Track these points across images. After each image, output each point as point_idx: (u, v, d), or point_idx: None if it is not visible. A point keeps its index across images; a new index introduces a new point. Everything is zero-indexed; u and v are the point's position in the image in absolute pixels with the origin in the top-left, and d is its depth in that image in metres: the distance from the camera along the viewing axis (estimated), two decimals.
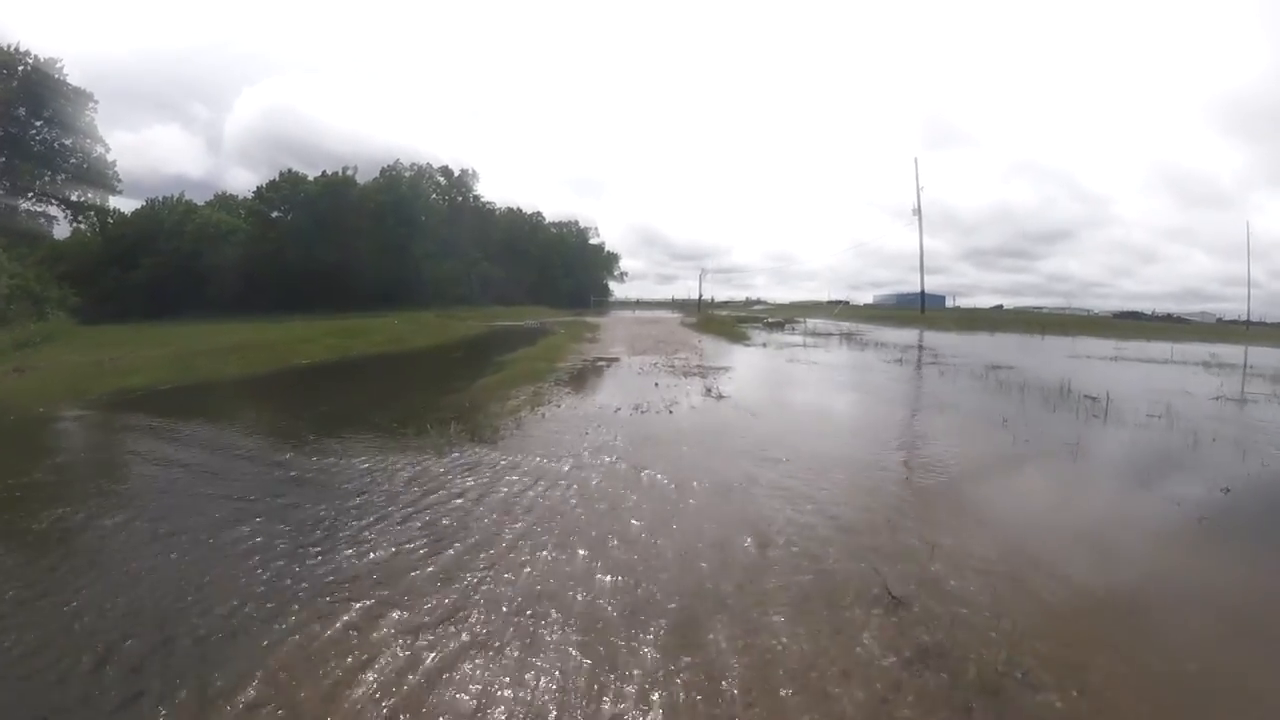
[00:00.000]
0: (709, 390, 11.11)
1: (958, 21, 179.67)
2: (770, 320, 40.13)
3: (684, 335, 26.73)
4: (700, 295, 67.31)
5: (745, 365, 15.75)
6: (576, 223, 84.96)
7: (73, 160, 45.66)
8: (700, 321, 36.61)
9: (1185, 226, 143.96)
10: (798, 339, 27.52)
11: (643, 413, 9.22)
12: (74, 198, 46.62)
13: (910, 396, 11.36)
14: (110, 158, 46.66)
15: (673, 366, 14.86)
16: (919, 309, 75.44)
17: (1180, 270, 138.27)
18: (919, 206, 57.01)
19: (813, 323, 40.20)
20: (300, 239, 55.65)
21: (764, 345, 22.02)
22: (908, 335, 31.53)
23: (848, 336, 27.40)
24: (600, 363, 15.90)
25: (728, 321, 37.34)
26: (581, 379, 12.94)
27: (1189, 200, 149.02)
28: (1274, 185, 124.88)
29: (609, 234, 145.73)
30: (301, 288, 55.72)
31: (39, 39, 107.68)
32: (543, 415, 9.10)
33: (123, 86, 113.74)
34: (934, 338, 30.51)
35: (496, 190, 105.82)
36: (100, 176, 46.22)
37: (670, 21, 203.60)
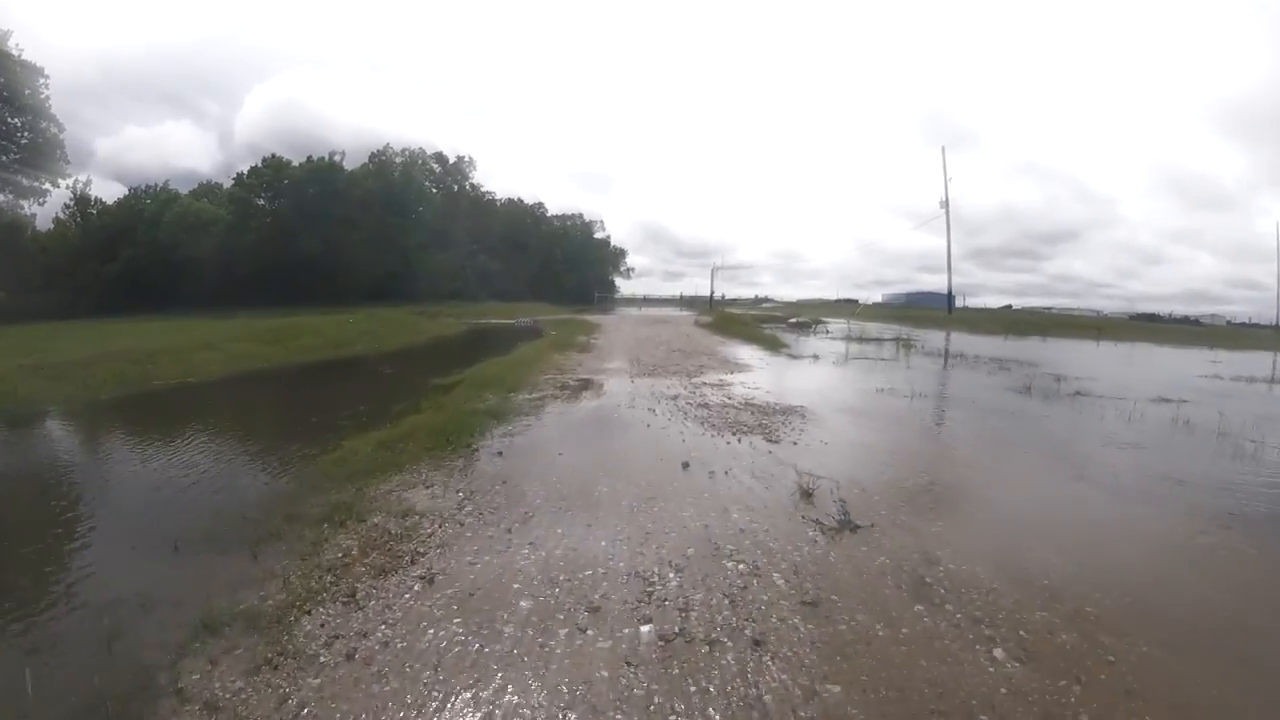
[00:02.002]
0: (807, 494, 4.72)
1: (962, 23, 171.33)
2: (794, 320, 33.60)
3: (702, 339, 20.34)
4: (712, 293, 60.50)
5: (819, 400, 9.30)
6: (581, 216, 78.25)
7: (23, 140, 39.39)
8: (717, 322, 30.14)
9: (1190, 228, 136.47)
10: (840, 345, 21.08)
11: (667, 641, 2.84)
12: (25, 182, 40.30)
13: (1191, 500, 4.96)
14: (62, 137, 40.33)
15: (705, 405, 8.47)
16: (933, 308, 68.59)
17: (1186, 272, 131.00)
18: (947, 199, 49.78)
19: (838, 324, 33.67)
20: (283, 229, 49.41)
21: (814, 358, 15.56)
22: (961, 341, 25.11)
23: (905, 343, 20.92)
24: (586, 394, 9.52)
25: (747, 322, 30.85)
26: (538, 444, 6.55)
27: (1194, 202, 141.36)
28: (1276, 188, 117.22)
29: (615, 230, 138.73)
30: (285, 281, 49.62)
31: (56, 36, 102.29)
32: (350, 653, 2.74)
33: (135, 82, 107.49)
34: (997, 346, 24.13)
35: (502, 185, 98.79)
36: (48, 160, 39.86)
37: (677, 19, 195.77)
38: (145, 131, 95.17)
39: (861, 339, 23.05)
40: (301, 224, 49.51)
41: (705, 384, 10.38)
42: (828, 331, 27.37)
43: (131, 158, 78.91)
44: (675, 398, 9.03)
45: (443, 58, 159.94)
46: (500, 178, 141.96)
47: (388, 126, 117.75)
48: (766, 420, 7.56)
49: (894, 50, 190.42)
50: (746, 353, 16.30)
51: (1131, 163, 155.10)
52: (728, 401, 8.78)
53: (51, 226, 60.58)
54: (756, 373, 12.13)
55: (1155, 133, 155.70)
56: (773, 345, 18.36)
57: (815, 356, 15.65)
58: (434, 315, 34.85)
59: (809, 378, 11.95)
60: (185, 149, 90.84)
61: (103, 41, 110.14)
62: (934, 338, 25.59)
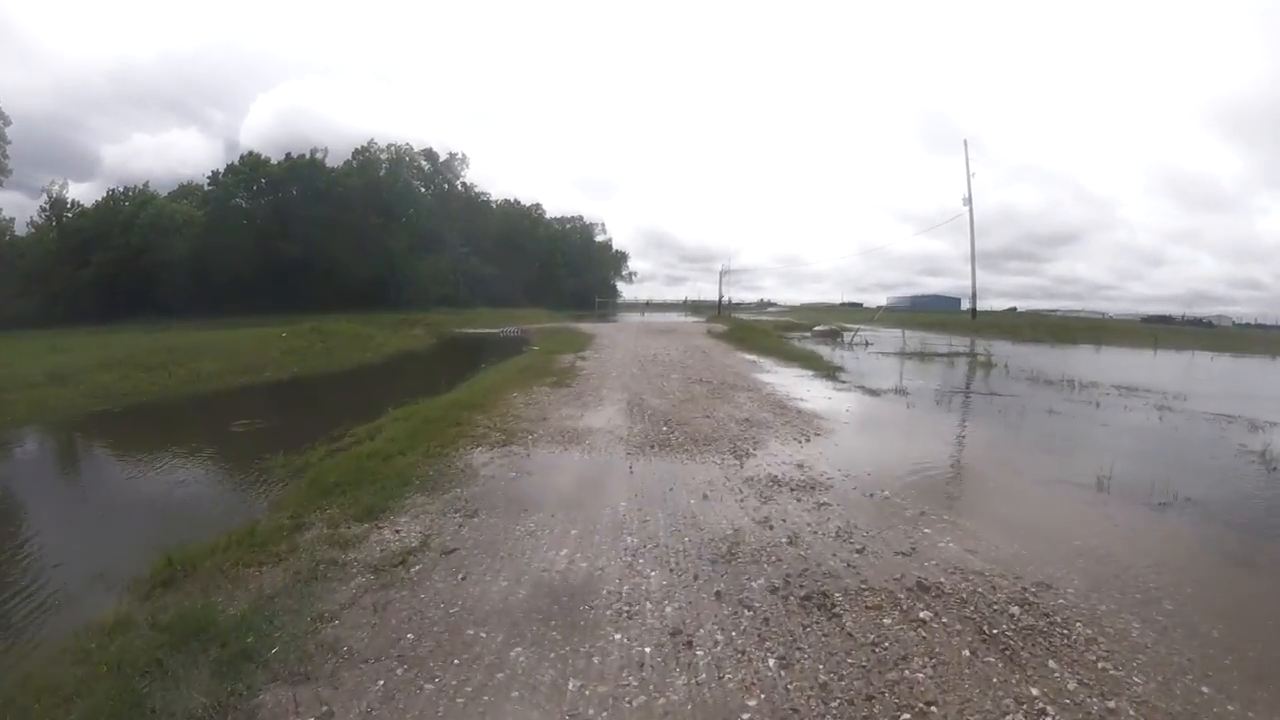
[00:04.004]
0: None
1: (962, 29, 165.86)
2: (819, 329, 28.17)
3: (725, 359, 15.00)
4: (720, 297, 54.90)
5: (1051, 545, 4.01)
6: (581, 218, 72.67)
7: None
8: (734, 332, 24.69)
9: (1190, 229, 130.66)
10: (899, 364, 15.80)
11: None
12: None
13: None
14: (7, 131, 35.09)
15: (832, 611, 3.13)
16: (941, 312, 62.81)
17: (1187, 273, 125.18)
18: (970, 195, 43.53)
19: (866, 331, 28.25)
20: (261, 232, 44.21)
21: (901, 394, 10.17)
22: (1023, 354, 20.05)
23: (984, 364, 15.60)
24: (524, 518, 4.15)
25: (769, 331, 25.58)
26: None
27: (1193, 203, 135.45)
28: (1275, 188, 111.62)
29: (618, 235, 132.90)
30: (265, 287, 44.32)
31: (67, 46, 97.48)
32: None
33: (142, 90, 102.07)
34: (1074, 360, 19.17)
35: (506, 191, 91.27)
36: None
37: (679, 26, 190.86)
38: (152, 139, 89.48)
39: (921, 355, 17.70)
40: (280, 226, 44.38)
41: (780, 484, 5.00)
42: (866, 343, 21.99)
43: (139, 165, 73.87)
44: (732, 554, 3.66)
45: (447, 65, 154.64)
46: (504, 184, 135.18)
47: (391, 132, 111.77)
48: None
49: (894, 56, 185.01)
50: (798, 384, 10.93)
51: (1130, 165, 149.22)
52: (876, 575, 3.44)
53: (31, 230, 55.97)
54: (846, 438, 6.76)
55: (1153, 134, 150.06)
56: (825, 369, 12.98)
57: (901, 392, 10.26)
58: (412, 324, 29.64)
59: (942, 452, 6.54)
60: (192, 156, 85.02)
61: (112, 50, 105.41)
62: (995, 350, 20.29)
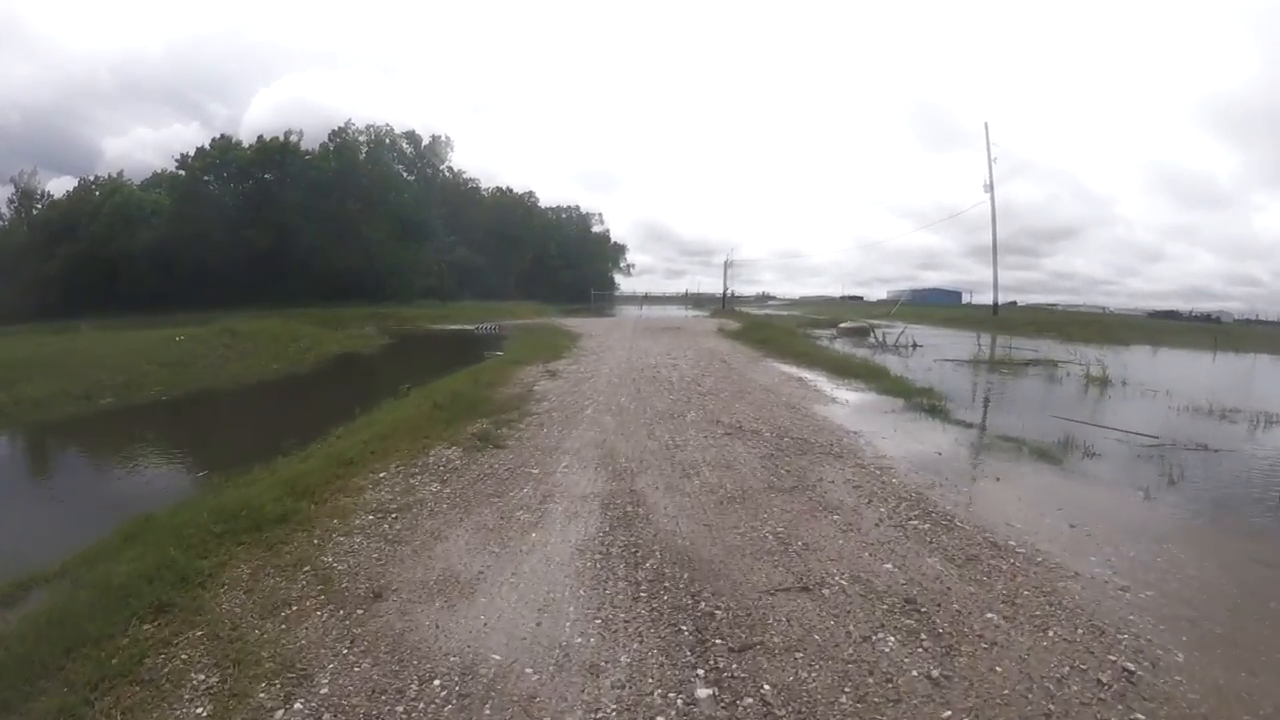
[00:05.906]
0: None
1: (960, 26, 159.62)
2: (845, 326, 23.70)
3: (753, 371, 10.58)
4: (725, 290, 50.58)
5: None
6: (578, 208, 67.59)
7: None
8: (747, 330, 20.13)
9: (1187, 225, 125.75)
10: (969, 374, 11.47)
11: None
12: None
13: None
14: None
15: None
16: (942, 306, 58.29)
17: (1185, 269, 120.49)
18: (991, 182, 38.20)
19: (899, 329, 23.77)
20: (230, 219, 39.43)
21: (1090, 460, 5.75)
22: (1120, 364, 15.71)
23: (1099, 381, 11.18)
24: None
25: (792, 330, 21.12)
26: None
27: (1190, 200, 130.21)
28: (1271, 186, 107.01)
29: (617, 228, 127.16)
30: (232, 278, 39.52)
31: (73, 40, 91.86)
32: None
33: (147, 83, 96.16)
34: (1153, 367, 14.87)
35: (504, 184, 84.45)
36: None
37: (682, 20, 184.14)
38: (154, 132, 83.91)
39: (1004, 365, 13.29)
40: (252, 214, 39.69)
41: None
42: (913, 345, 17.56)
43: (140, 158, 68.72)
44: None
45: (449, 59, 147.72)
46: (504, 177, 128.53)
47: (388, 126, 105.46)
48: None
49: (891, 52, 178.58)
50: (898, 430, 6.52)
51: (1128, 161, 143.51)
52: None
53: (3, 223, 51.47)
54: (1204, 692, 2.40)
55: (1150, 131, 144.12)
56: (909, 394, 8.49)
57: (1086, 453, 5.82)
58: (376, 319, 25.20)
59: None
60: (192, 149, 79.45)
61: (115, 43, 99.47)
62: (1041, 351, 15.82)
